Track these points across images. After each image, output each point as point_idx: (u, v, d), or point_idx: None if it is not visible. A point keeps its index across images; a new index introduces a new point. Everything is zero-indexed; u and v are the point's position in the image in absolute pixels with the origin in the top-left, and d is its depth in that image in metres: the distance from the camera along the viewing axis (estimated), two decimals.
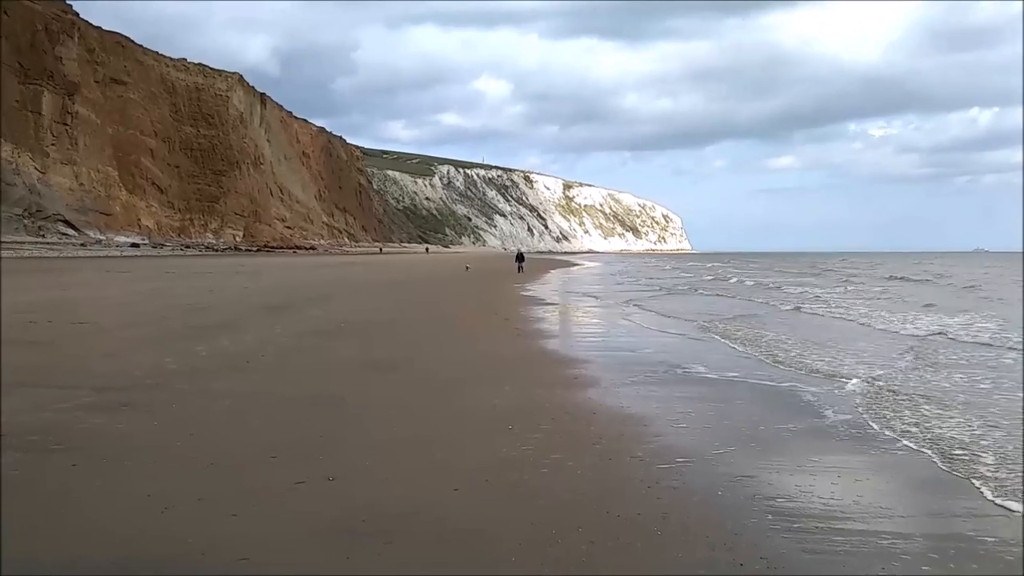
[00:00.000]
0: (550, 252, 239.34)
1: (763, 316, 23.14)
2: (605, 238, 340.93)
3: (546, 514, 5.42)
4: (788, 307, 26.62)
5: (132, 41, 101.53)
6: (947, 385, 11.02)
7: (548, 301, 28.88)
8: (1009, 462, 6.95)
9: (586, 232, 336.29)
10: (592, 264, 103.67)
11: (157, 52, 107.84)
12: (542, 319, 21.22)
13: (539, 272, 60.92)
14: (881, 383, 10.96)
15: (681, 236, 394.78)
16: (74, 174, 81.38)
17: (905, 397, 9.96)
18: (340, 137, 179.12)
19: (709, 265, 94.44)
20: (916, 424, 8.47)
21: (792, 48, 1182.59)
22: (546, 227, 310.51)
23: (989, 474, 6.63)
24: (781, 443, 7.70)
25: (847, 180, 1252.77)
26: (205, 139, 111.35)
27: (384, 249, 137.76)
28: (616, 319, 22.44)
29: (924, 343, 16.06)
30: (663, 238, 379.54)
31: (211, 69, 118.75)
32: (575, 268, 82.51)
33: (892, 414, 8.93)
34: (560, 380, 11.05)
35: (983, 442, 7.68)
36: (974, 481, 6.47)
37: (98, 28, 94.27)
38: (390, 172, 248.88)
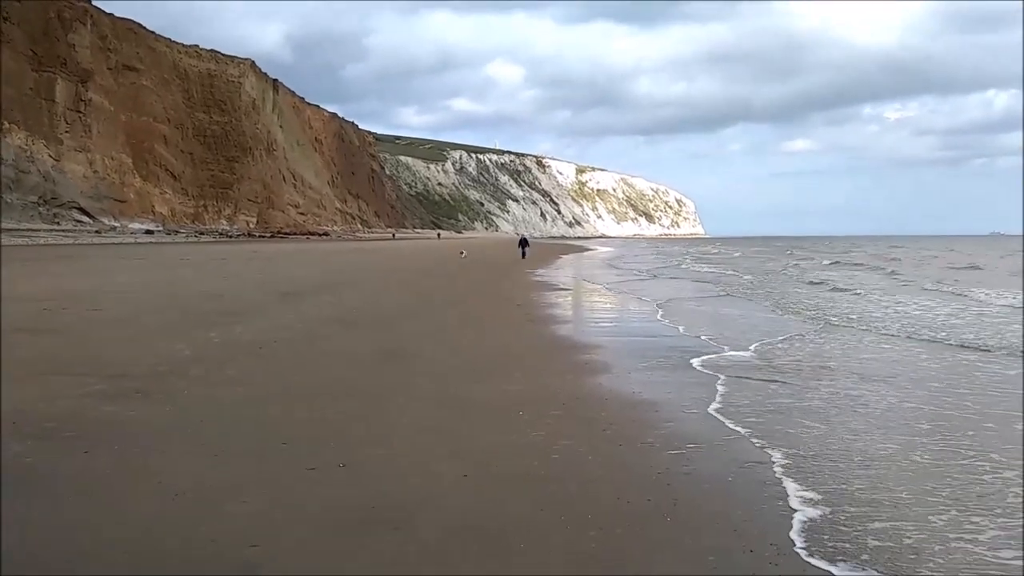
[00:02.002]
0: (563, 237, 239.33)
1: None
2: (618, 223, 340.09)
3: (556, 501, 5.43)
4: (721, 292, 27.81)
5: (144, 28, 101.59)
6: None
7: (559, 286, 28.91)
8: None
9: (599, 217, 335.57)
10: (605, 249, 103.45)
11: (169, 39, 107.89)
12: (553, 304, 21.22)
13: (550, 257, 60.86)
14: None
15: (695, 221, 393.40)
16: (88, 161, 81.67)
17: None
18: (352, 123, 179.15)
19: (689, 250, 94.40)
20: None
21: (808, 31, 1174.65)
22: (559, 212, 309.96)
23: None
24: (787, 430, 7.69)
25: (863, 163, 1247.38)
26: (218, 125, 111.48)
27: (397, 235, 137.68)
28: (626, 304, 22.43)
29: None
30: (676, 223, 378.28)
31: (223, 55, 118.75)
32: (586, 254, 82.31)
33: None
34: (571, 366, 11.05)
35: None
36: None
37: (110, 15, 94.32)
38: (402, 158, 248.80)
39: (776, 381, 10.11)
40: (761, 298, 24.48)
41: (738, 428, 7.60)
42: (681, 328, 15.78)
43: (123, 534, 4.73)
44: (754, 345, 13.33)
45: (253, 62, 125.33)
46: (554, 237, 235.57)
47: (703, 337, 14.25)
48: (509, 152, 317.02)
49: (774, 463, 6.48)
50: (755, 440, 7.16)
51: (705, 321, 17.81)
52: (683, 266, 50.68)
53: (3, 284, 18.85)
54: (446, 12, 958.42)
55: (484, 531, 4.91)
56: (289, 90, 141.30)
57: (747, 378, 10.30)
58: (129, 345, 11.55)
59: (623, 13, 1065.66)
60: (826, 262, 53.45)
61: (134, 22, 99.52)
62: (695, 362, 11.44)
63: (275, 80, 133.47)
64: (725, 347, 13.01)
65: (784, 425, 7.80)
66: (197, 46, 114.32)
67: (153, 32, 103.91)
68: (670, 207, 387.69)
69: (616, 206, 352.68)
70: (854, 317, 18.19)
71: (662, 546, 4.80)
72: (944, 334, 14.99)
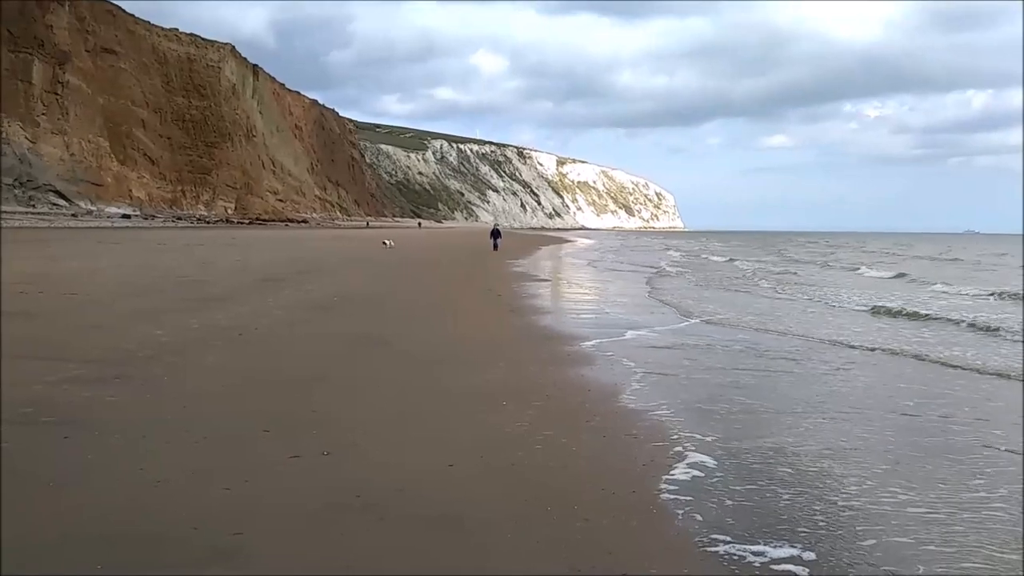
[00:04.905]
0: (542, 228, 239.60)
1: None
2: (598, 215, 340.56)
3: (541, 491, 5.42)
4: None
5: (123, 10, 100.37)
6: None
7: (538, 277, 28.97)
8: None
9: (579, 209, 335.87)
10: (584, 241, 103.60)
11: (148, 22, 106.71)
12: (533, 295, 21.19)
13: (530, 248, 60.84)
14: None
15: (674, 214, 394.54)
16: (65, 144, 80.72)
17: None
18: (333, 110, 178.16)
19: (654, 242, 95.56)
20: None
21: (789, 26, 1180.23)
22: (539, 203, 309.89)
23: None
24: (774, 413, 7.72)
25: (841, 159, 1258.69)
26: (197, 110, 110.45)
27: (371, 224, 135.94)
28: (608, 295, 22.45)
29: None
30: (656, 216, 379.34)
31: (203, 40, 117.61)
32: (565, 246, 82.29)
33: None
34: (553, 357, 11.05)
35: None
36: None
37: None
38: (383, 146, 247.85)
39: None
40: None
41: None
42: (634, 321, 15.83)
43: (103, 521, 4.66)
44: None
45: (233, 47, 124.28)
46: (534, 228, 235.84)
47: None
48: (490, 142, 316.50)
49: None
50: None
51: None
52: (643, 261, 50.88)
53: None
54: (430, 0, 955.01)
55: (471, 521, 4.88)
56: (269, 76, 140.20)
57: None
58: (107, 330, 11.42)
59: (606, 5, 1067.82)
60: (721, 259, 54.08)
61: (113, 4, 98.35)
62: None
63: (255, 65, 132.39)
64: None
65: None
66: (176, 30, 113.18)
67: (132, 15, 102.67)
68: (650, 200, 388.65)
69: (596, 198, 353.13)
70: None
71: (649, 537, 4.80)
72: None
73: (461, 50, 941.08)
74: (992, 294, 23.54)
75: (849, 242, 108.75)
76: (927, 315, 17.44)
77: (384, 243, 49.25)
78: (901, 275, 34.49)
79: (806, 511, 5.30)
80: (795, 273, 36.70)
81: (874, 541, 4.85)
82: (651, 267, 40.05)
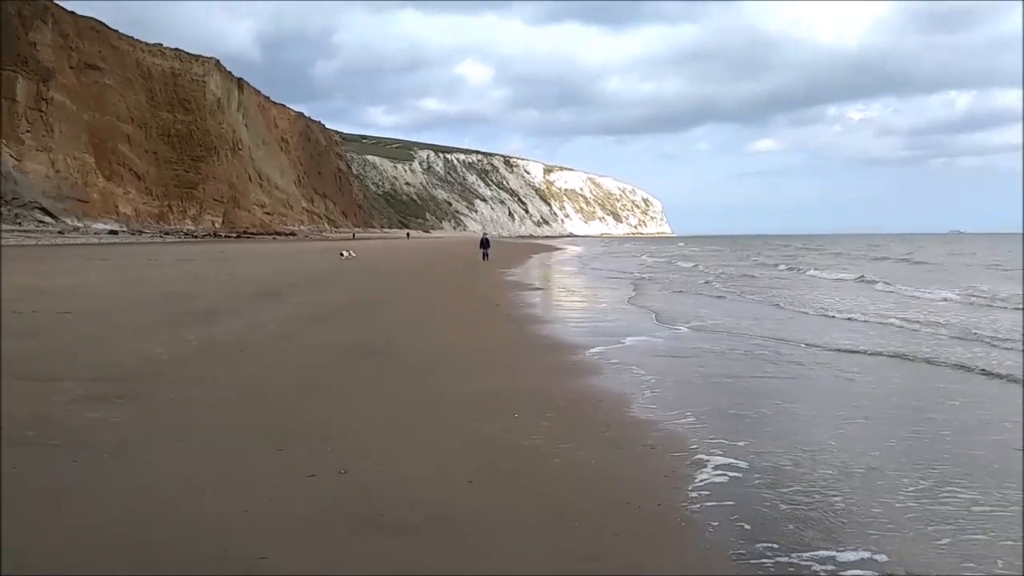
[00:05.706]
0: (531, 236, 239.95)
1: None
2: (586, 222, 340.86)
3: (565, 506, 5.29)
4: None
5: (107, 26, 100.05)
6: None
7: (533, 286, 28.92)
8: None
9: (567, 216, 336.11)
10: (574, 249, 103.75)
11: (132, 37, 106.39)
12: (531, 304, 21.08)
13: (522, 256, 60.79)
14: None
15: (661, 220, 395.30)
16: (50, 161, 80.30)
17: None
18: (319, 122, 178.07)
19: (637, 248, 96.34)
20: None
21: (776, 31, 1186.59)
22: (527, 211, 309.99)
23: None
24: (795, 422, 7.62)
25: (827, 163, 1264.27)
26: (182, 125, 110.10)
27: (358, 235, 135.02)
28: (598, 300, 22.37)
29: None
30: (643, 222, 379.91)
31: (187, 54, 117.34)
32: (555, 254, 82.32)
33: None
34: (560, 367, 10.94)
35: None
36: None
37: (72, 13, 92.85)
38: (369, 157, 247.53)
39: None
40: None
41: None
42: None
43: (121, 551, 4.49)
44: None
45: (218, 61, 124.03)
46: (522, 236, 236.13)
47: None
48: (477, 151, 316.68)
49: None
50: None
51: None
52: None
53: None
54: (415, 11, 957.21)
55: (496, 538, 4.76)
56: (254, 89, 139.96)
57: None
58: (105, 348, 11.25)
59: (593, 14, 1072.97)
60: (688, 265, 54.67)
61: (96, 20, 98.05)
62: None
63: (240, 79, 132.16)
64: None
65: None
66: (160, 44, 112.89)
67: (116, 30, 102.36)
68: (637, 206, 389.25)
69: (584, 205, 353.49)
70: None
71: (680, 549, 4.69)
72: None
73: (447, 60, 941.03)
74: (946, 298, 23.43)
75: (824, 244, 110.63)
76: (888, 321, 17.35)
77: (342, 254, 44.60)
78: (860, 278, 35.11)
79: (865, 514, 5.24)
80: (753, 276, 37.85)
81: (949, 540, 4.81)
82: (629, 273, 40.59)
